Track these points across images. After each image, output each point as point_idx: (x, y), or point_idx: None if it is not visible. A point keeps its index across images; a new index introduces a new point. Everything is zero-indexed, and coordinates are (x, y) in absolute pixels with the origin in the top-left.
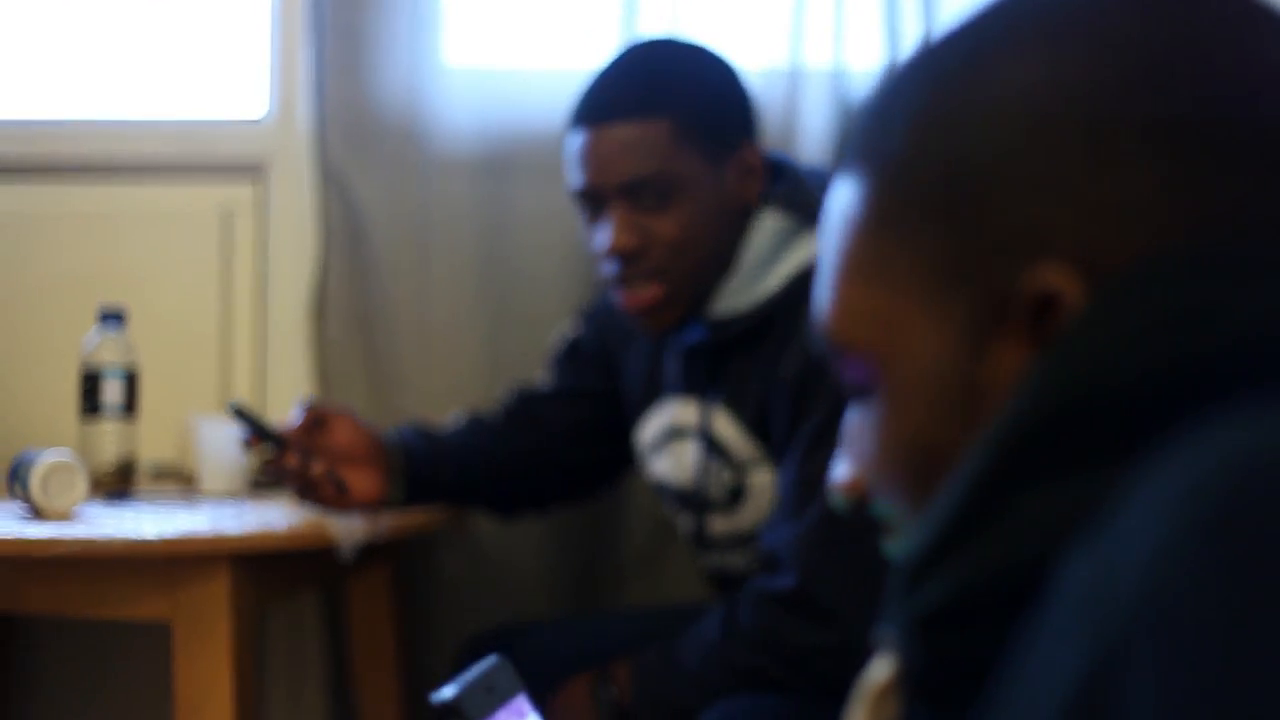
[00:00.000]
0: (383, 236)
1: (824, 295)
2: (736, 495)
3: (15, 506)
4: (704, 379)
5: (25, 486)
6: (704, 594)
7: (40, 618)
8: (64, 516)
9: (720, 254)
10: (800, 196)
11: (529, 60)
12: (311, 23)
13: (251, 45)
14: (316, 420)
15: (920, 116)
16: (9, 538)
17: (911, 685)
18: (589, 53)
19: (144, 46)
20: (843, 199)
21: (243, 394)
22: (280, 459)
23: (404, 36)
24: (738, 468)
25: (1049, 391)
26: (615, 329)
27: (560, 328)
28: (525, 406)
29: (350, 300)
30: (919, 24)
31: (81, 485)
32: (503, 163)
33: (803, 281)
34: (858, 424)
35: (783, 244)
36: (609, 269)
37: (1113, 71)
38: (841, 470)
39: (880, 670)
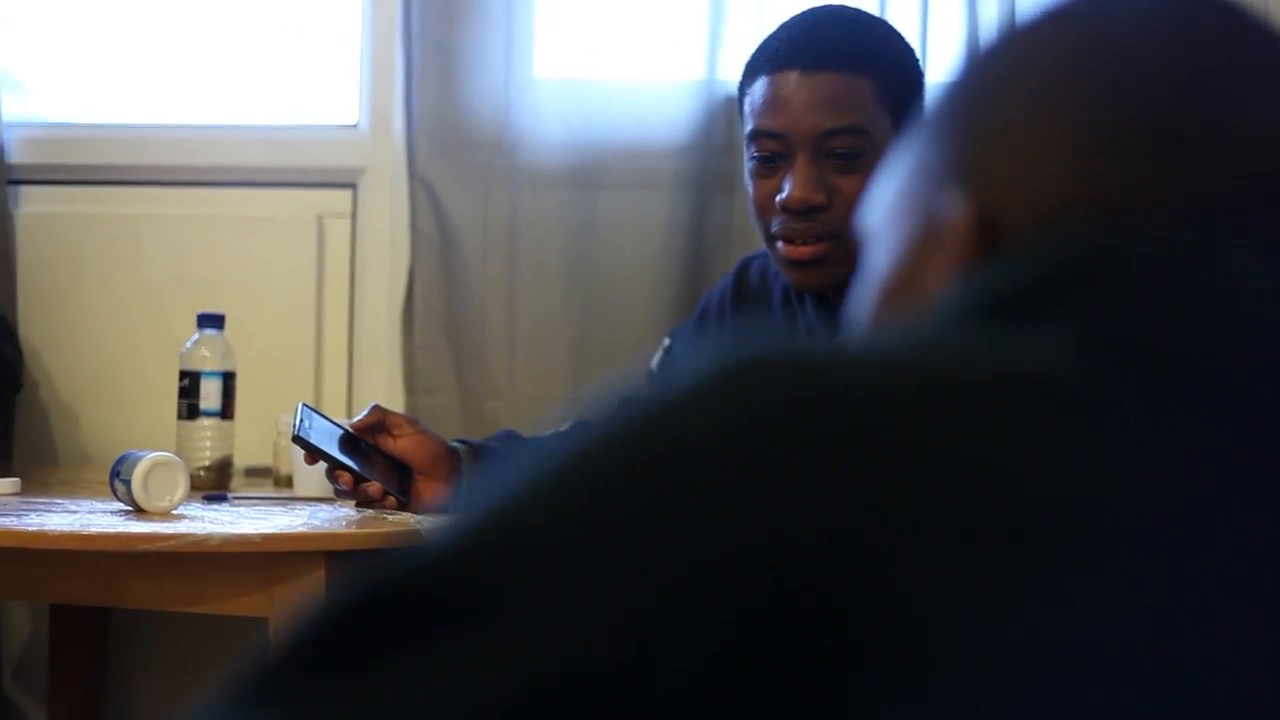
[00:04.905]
0: (472, 246)
1: None
2: None
3: (117, 505)
4: None
5: (127, 485)
6: None
7: (135, 611)
8: (165, 515)
9: None
10: None
11: (618, 72)
12: (403, 34)
13: (347, 56)
14: (378, 423)
15: None
16: (111, 531)
17: None
18: (677, 64)
19: (242, 55)
20: None
21: (333, 398)
22: (333, 475)
23: (494, 48)
24: None
25: None
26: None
27: (645, 337)
28: None
29: (439, 308)
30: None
31: (183, 484)
32: (591, 174)
33: None
34: None
35: None
36: (775, 222)
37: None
38: None
39: None
